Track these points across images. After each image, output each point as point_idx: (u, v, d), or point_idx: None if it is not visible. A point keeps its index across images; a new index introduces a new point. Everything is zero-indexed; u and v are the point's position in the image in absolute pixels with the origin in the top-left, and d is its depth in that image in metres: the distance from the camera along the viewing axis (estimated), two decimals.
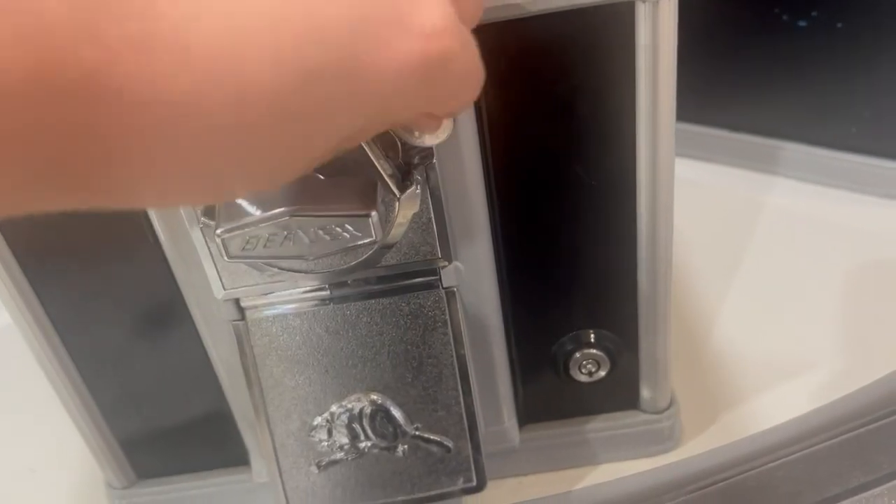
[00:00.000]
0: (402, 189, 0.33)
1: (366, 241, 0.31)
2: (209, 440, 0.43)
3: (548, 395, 0.43)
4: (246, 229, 0.30)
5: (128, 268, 0.37)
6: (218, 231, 0.30)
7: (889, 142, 0.58)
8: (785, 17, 0.57)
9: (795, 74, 0.59)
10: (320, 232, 0.30)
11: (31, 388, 0.52)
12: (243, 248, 0.31)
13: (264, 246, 0.30)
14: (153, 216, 0.35)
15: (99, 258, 0.37)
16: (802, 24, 0.57)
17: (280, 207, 0.30)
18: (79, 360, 0.40)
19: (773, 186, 0.62)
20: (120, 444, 0.43)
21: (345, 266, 0.34)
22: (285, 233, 0.30)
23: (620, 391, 0.43)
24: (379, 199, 0.31)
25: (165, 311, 0.38)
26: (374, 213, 0.30)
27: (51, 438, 0.50)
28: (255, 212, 0.30)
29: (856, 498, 0.41)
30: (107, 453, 0.43)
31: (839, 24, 0.56)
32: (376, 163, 0.32)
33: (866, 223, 0.58)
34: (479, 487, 0.40)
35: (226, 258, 0.31)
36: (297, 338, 0.38)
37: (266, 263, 0.33)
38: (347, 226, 0.30)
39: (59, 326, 0.39)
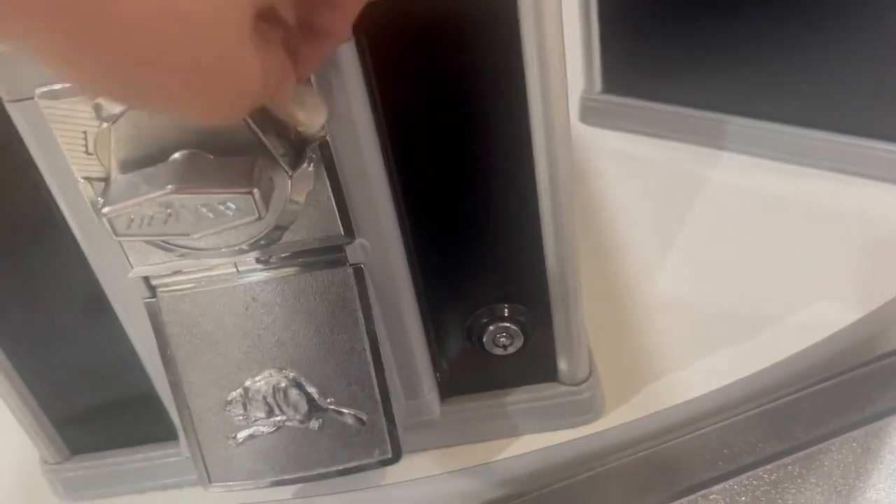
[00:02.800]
0: (295, 167, 0.33)
1: (249, 218, 0.31)
2: (138, 416, 0.44)
3: (467, 369, 0.44)
4: (130, 207, 0.31)
5: (43, 252, 0.38)
6: (104, 210, 0.31)
7: (829, 115, 0.58)
8: None
9: (737, 48, 0.59)
10: (204, 210, 0.31)
11: None
12: (128, 227, 0.31)
13: (149, 224, 0.31)
14: (60, 199, 0.35)
15: (15, 244, 0.38)
16: None
17: (157, 187, 0.31)
18: (4, 343, 0.41)
19: (715, 160, 0.62)
20: (52, 421, 0.44)
21: (245, 244, 0.35)
22: (168, 211, 0.31)
23: (538, 364, 0.44)
24: (262, 177, 0.32)
25: (83, 291, 0.39)
26: (255, 191, 0.31)
27: None
28: (138, 191, 0.31)
29: (769, 466, 0.42)
30: (39, 431, 0.44)
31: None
32: (266, 141, 0.32)
33: (804, 195, 0.58)
34: (395, 459, 0.41)
35: (114, 236, 0.31)
36: (208, 315, 0.39)
37: (154, 242, 0.34)
38: (230, 204, 0.31)
39: None
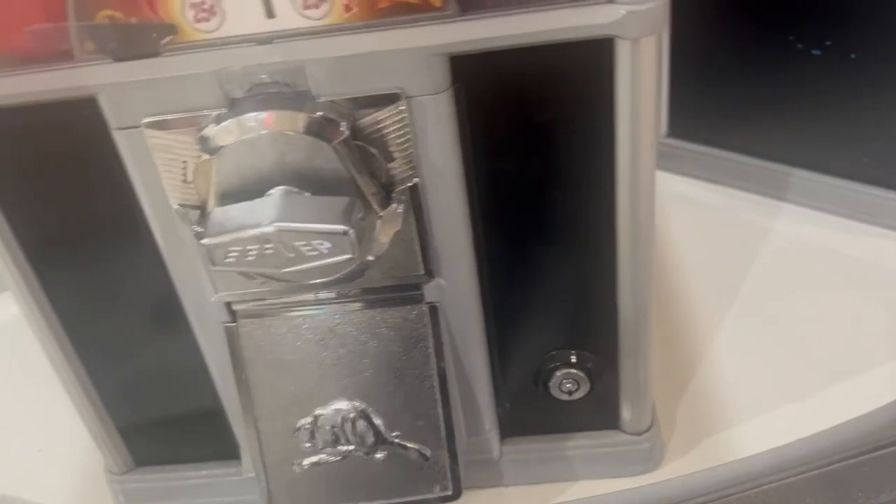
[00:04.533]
0: (384, 207, 0.34)
1: (342, 257, 0.32)
2: (203, 433, 0.45)
3: (529, 411, 0.44)
4: (231, 240, 0.31)
5: (129, 266, 0.39)
6: (204, 241, 0.32)
7: None
8: (799, 46, 0.57)
9: (808, 102, 0.59)
10: (300, 246, 0.32)
11: (42, 375, 0.55)
12: (225, 258, 0.32)
13: (247, 257, 0.32)
14: (152, 219, 0.37)
15: (102, 255, 0.39)
16: (816, 52, 0.57)
17: (263, 221, 0.32)
18: (82, 352, 0.42)
19: (779, 212, 0.62)
20: (119, 431, 0.45)
21: (329, 278, 0.36)
22: (267, 245, 0.32)
23: (601, 411, 0.44)
24: (356, 217, 0.32)
25: (163, 308, 0.40)
26: (350, 231, 0.32)
27: (59, 423, 0.52)
28: (238, 224, 0.32)
29: None
30: (107, 440, 0.45)
31: (853, 55, 0.56)
32: (359, 181, 0.33)
33: (870, 254, 0.58)
34: (455, 496, 0.41)
35: (210, 266, 0.32)
36: (285, 343, 0.39)
37: (248, 274, 0.35)
38: (325, 242, 0.32)
39: (63, 319, 0.41)
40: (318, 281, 0.36)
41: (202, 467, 0.47)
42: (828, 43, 0.56)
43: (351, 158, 0.33)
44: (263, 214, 0.32)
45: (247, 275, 0.37)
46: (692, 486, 0.45)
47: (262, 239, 0.31)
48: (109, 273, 0.40)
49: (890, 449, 0.45)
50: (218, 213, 0.33)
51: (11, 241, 0.38)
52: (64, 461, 0.51)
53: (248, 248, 0.32)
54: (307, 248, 0.32)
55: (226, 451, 0.46)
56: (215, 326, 0.40)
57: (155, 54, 0.33)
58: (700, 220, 0.62)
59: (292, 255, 0.32)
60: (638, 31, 0.31)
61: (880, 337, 0.51)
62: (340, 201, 0.32)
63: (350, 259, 0.32)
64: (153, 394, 0.44)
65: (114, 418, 0.45)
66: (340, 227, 0.31)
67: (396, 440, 0.41)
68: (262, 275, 0.35)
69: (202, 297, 0.39)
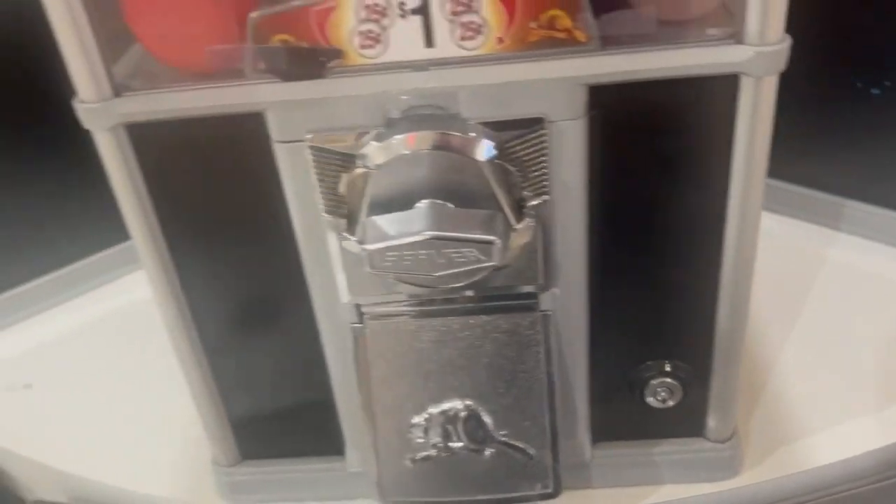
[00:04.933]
0: (519, 221, 0.38)
1: (487, 264, 0.36)
2: (311, 428, 0.48)
3: (621, 417, 0.47)
4: (392, 246, 0.35)
5: (265, 258, 0.42)
6: (366, 246, 0.35)
7: None
8: (859, 85, 0.61)
9: (867, 137, 0.62)
10: (451, 253, 0.35)
11: (150, 365, 0.58)
12: (383, 262, 0.35)
13: (403, 261, 0.35)
14: (297, 225, 0.40)
15: (241, 254, 0.42)
16: (876, 91, 0.61)
17: (417, 230, 0.35)
18: (206, 339, 0.45)
19: (837, 241, 0.65)
20: (231, 424, 0.48)
21: (463, 283, 0.39)
22: (423, 252, 0.35)
23: (688, 419, 0.47)
24: (500, 229, 0.36)
25: (291, 304, 0.43)
26: (497, 241, 0.35)
27: (165, 415, 0.55)
28: (397, 232, 0.35)
29: None
30: (218, 432, 0.48)
31: None
32: (500, 196, 0.36)
33: None
34: (555, 494, 0.44)
35: (369, 269, 0.36)
36: (406, 344, 0.42)
37: (398, 277, 0.38)
38: (474, 250, 0.35)
39: (194, 310, 0.43)
40: (447, 286, 0.39)
41: (307, 462, 0.49)
42: (886, 83, 0.60)
43: (495, 176, 0.36)
44: (419, 224, 0.35)
45: (382, 278, 0.40)
46: (769, 492, 0.48)
47: (419, 246, 0.35)
48: (245, 271, 0.43)
49: None
50: (375, 222, 0.36)
51: (157, 230, 0.40)
52: (169, 452, 0.54)
53: (406, 253, 0.35)
54: (457, 255, 0.35)
55: (331, 447, 0.48)
56: (343, 326, 0.43)
57: (321, 76, 0.36)
58: (762, 248, 0.65)
59: (443, 261, 0.35)
60: (764, 69, 0.35)
61: None
62: (487, 214, 0.36)
63: (492, 266, 0.36)
64: (268, 388, 0.47)
65: (228, 410, 0.48)
66: (491, 237, 0.35)
67: (504, 439, 0.44)
68: (409, 279, 0.38)
69: (334, 299, 0.42)
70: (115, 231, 0.66)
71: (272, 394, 0.47)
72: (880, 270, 0.63)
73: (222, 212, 0.41)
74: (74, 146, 0.62)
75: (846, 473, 0.48)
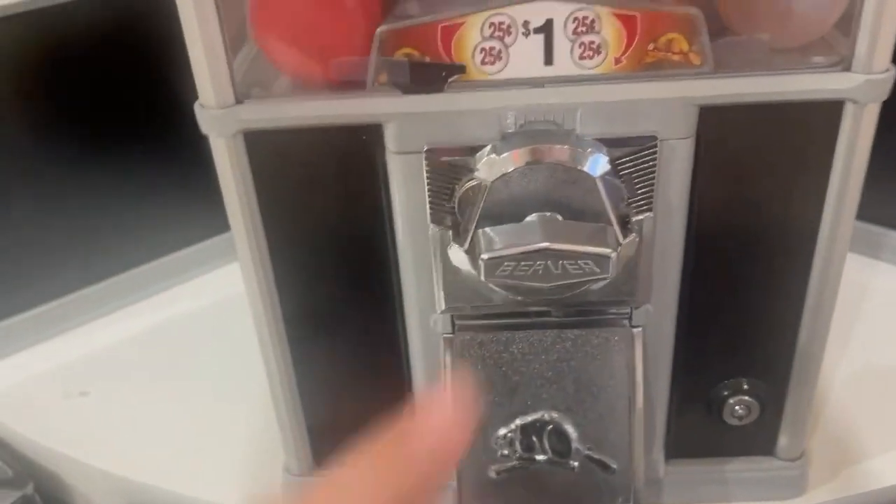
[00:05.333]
0: (626, 236, 0.39)
1: (601, 276, 0.36)
2: None
3: (696, 434, 0.48)
4: (509, 255, 0.36)
5: (362, 266, 0.43)
6: (483, 255, 0.36)
7: None
8: None
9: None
10: (567, 264, 0.36)
11: (209, 373, 0.58)
12: (499, 271, 0.36)
13: (518, 271, 0.36)
14: (402, 235, 0.40)
15: (339, 252, 0.42)
16: None
17: (535, 241, 0.36)
18: (293, 342, 0.45)
19: (878, 270, 0.67)
20: (308, 431, 0.48)
21: (567, 294, 0.39)
22: (537, 263, 0.36)
23: (761, 438, 0.48)
24: (614, 242, 0.37)
25: (382, 312, 0.44)
26: (613, 254, 0.36)
27: (224, 418, 0.56)
28: (511, 243, 0.36)
29: None
30: (295, 439, 0.48)
31: None
32: (609, 211, 0.37)
33: None
34: None
35: (482, 278, 0.36)
36: (495, 356, 0.43)
37: (509, 286, 0.39)
38: (589, 262, 0.36)
39: (284, 306, 0.44)
40: (555, 297, 0.40)
41: None
42: None
43: (607, 191, 0.37)
44: (534, 235, 0.36)
45: (480, 289, 0.40)
46: None
47: (533, 256, 0.36)
48: (339, 277, 0.43)
49: None
50: (488, 233, 0.37)
51: (261, 234, 0.41)
52: (234, 459, 0.54)
53: (522, 263, 0.36)
54: (573, 266, 0.36)
55: None
56: (434, 336, 0.43)
57: (441, 90, 0.37)
58: None
59: (558, 272, 0.36)
60: (870, 97, 0.36)
61: None
62: (599, 227, 0.37)
63: (604, 279, 0.37)
64: (348, 397, 0.47)
65: (307, 417, 0.48)
66: (608, 251, 0.36)
67: (587, 452, 0.44)
68: (521, 289, 0.39)
69: (429, 309, 0.42)
70: (175, 238, 0.68)
71: (352, 402, 0.48)
72: None
73: (325, 218, 0.41)
74: (143, 154, 0.64)
75: None
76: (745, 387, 0.46)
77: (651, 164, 0.38)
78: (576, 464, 0.44)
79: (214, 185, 0.41)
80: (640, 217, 0.39)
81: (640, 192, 0.38)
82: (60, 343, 0.65)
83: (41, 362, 0.63)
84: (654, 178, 0.38)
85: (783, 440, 0.48)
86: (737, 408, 0.46)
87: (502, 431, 0.44)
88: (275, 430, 0.49)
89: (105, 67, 0.61)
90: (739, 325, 0.44)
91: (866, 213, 0.67)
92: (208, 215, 0.65)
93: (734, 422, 0.47)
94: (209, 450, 0.55)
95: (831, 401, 0.56)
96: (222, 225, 0.42)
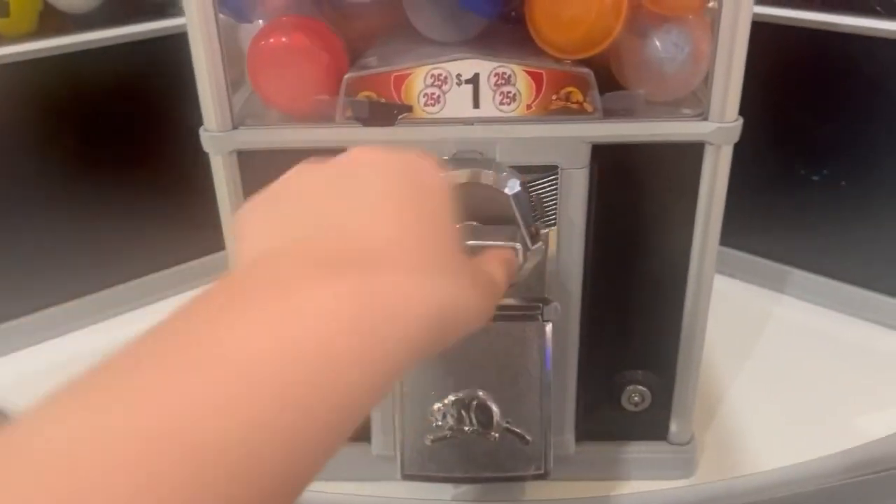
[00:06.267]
0: (534, 244, 0.49)
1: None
2: None
3: (600, 419, 0.57)
4: None
5: None
6: None
7: (880, 277, 0.74)
8: (803, 172, 0.74)
9: (808, 216, 0.75)
10: None
11: None
12: None
13: None
14: None
15: None
16: (815, 178, 0.74)
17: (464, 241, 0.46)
18: None
19: (781, 302, 0.78)
20: None
21: None
22: None
23: (655, 424, 0.57)
24: (521, 241, 0.47)
25: None
26: (519, 247, 0.46)
27: None
28: None
29: None
30: None
31: (843, 182, 0.73)
32: (521, 223, 0.48)
33: (853, 338, 0.73)
34: (546, 475, 0.54)
35: None
36: None
37: None
38: None
39: None
40: None
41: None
42: (824, 171, 0.73)
43: (518, 207, 0.47)
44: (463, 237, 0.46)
45: None
46: (719, 490, 0.58)
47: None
48: None
49: (883, 474, 0.58)
50: None
51: None
52: None
53: None
54: None
55: (360, 433, 0.58)
56: None
57: (392, 124, 0.48)
58: (719, 307, 0.78)
59: None
60: (723, 140, 0.47)
61: (855, 388, 0.66)
62: (509, 228, 0.47)
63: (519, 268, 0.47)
64: None
65: None
66: (514, 244, 0.46)
67: (507, 425, 0.54)
68: None
69: None
70: (174, 254, 0.78)
71: None
72: (814, 325, 0.75)
73: None
74: (150, 179, 0.74)
75: (784, 479, 0.59)
76: (640, 377, 0.56)
77: (554, 187, 0.48)
78: (497, 435, 0.54)
79: (209, 209, 0.51)
80: (546, 230, 0.49)
81: (546, 209, 0.49)
82: (65, 342, 0.74)
83: (45, 359, 0.72)
84: (556, 199, 0.49)
85: (673, 426, 0.57)
86: (633, 395, 0.56)
87: (437, 406, 0.54)
88: None
89: (121, 105, 0.72)
90: (631, 323, 0.54)
91: (772, 251, 0.79)
92: (202, 236, 0.75)
93: (631, 408, 0.56)
94: None
95: (727, 401, 0.66)
96: (216, 245, 0.52)
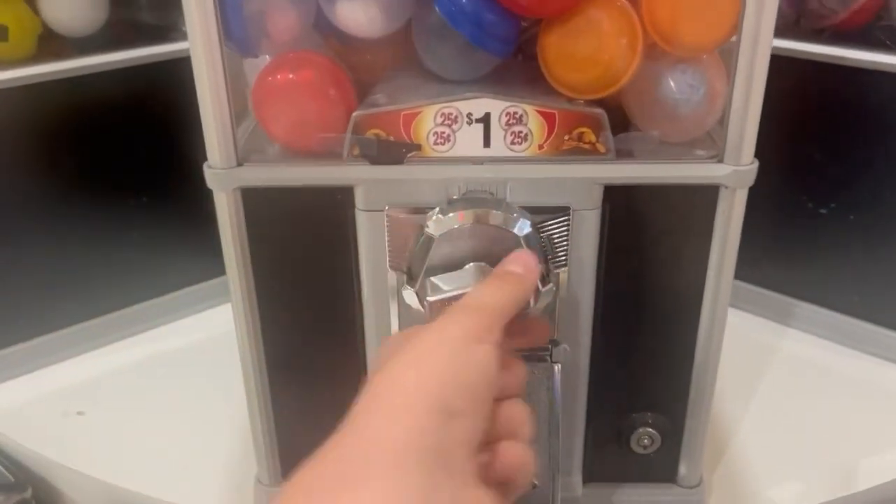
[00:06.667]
0: (544, 286, 0.48)
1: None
2: None
3: (609, 461, 0.56)
4: (448, 298, 0.44)
5: (333, 302, 0.51)
6: (428, 299, 0.45)
7: (884, 312, 0.73)
8: (810, 205, 0.74)
9: (815, 249, 0.75)
10: None
11: (197, 399, 0.66)
12: (440, 312, 0.45)
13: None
14: (365, 275, 0.49)
15: (315, 289, 0.51)
16: (823, 211, 0.73)
17: (470, 285, 0.45)
18: (271, 368, 0.53)
19: (787, 335, 0.77)
20: (280, 448, 0.56)
21: None
22: None
23: (664, 466, 0.56)
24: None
25: (348, 345, 0.52)
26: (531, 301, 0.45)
27: (205, 439, 0.63)
28: (450, 287, 0.45)
29: None
30: (268, 454, 0.56)
31: (851, 216, 0.72)
32: None
33: (856, 373, 0.72)
34: None
35: (428, 316, 0.45)
36: None
37: None
38: None
39: (266, 336, 0.52)
40: None
41: None
42: (832, 205, 0.73)
43: (528, 248, 0.46)
44: (468, 280, 0.45)
45: None
46: None
47: None
48: (314, 311, 0.52)
49: None
50: (434, 281, 0.46)
51: (250, 271, 0.50)
52: (213, 471, 0.62)
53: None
54: None
55: None
56: None
57: (401, 163, 0.47)
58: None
59: None
60: (738, 183, 0.46)
61: (863, 427, 0.65)
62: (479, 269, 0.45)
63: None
64: (316, 419, 0.55)
65: (279, 437, 0.56)
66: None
67: None
68: None
69: (387, 333, 0.51)
70: (171, 280, 0.77)
71: (319, 423, 0.55)
72: (821, 359, 0.74)
73: (304, 261, 0.50)
74: (150, 205, 0.73)
75: None
76: (649, 419, 0.54)
77: (565, 228, 0.47)
78: None
79: (209, 235, 0.50)
80: (557, 271, 0.48)
81: (557, 250, 0.48)
82: (63, 368, 0.73)
83: (44, 385, 0.71)
84: (567, 240, 0.47)
85: (682, 469, 0.56)
86: (642, 438, 0.55)
87: None
88: (249, 448, 0.57)
89: (122, 129, 0.71)
90: (641, 366, 0.53)
91: (778, 283, 0.78)
92: (200, 261, 0.74)
93: (640, 450, 0.55)
94: (190, 463, 0.62)
95: (734, 443, 0.65)
96: (214, 271, 0.51)
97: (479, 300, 0.39)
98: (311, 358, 0.54)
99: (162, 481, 0.61)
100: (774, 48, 0.44)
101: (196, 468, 0.62)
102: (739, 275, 0.78)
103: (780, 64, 0.67)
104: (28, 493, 0.62)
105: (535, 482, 0.52)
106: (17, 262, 0.70)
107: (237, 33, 0.45)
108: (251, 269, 0.50)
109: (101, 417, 0.68)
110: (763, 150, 0.46)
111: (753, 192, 0.48)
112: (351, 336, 0.52)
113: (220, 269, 0.50)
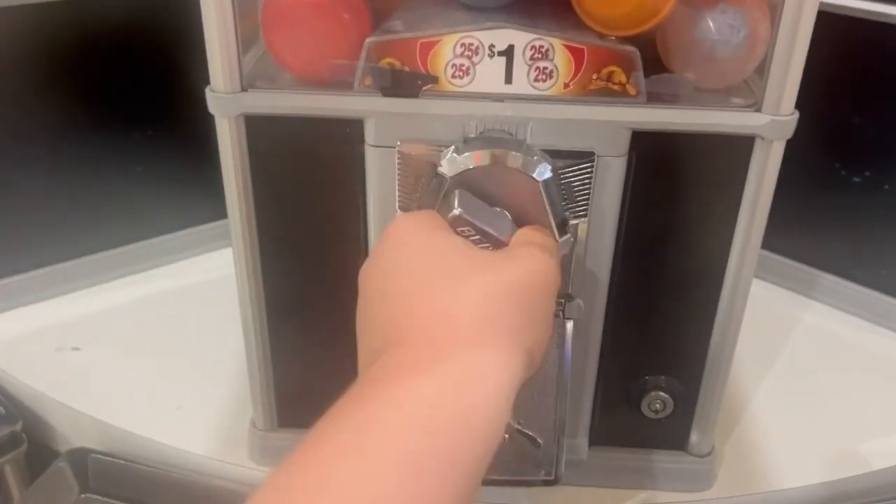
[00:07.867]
0: (561, 236, 0.45)
1: None
2: None
3: (617, 424, 0.54)
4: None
5: (338, 241, 0.49)
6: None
7: None
8: (843, 173, 0.70)
9: (845, 219, 0.71)
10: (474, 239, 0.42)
11: (195, 340, 0.64)
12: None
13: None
14: (372, 216, 0.47)
15: (318, 228, 0.49)
16: (857, 180, 0.70)
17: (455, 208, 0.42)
18: (271, 311, 0.51)
19: (809, 308, 0.74)
20: (277, 393, 0.54)
21: None
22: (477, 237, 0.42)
23: (675, 433, 0.54)
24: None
25: (351, 287, 0.50)
26: (506, 242, 0.42)
27: (199, 381, 0.62)
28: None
29: None
30: (264, 398, 0.54)
31: (886, 186, 0.68)
32: (549, 212, 0.44)
33: (881, 350, 0.69)
34: (556, 482, 0.50)
35: None
36: None
37: None
38: (489, 245, 0.42)
39: (267, 276, 0.50)
40: None
41: None
42: (867, 173, 0.69)
43: (547, 195, 0.43)
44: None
45: None
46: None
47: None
48: (318, 251, 0.49)
49: None
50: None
51: (251, 206, 0.47)
52: (208, 413, 0.60)
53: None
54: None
55: None
56: None
57: (416, 96, 0.44)
58: None
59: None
60: (776, 135, 0.43)
61: (882, 405, 0.63)
62: (508, 220, 0.42)
63: None
64: (314, 367, 0.53)
65: (276, 380, 0.54)
66: (503, 238, 0.41)
67: (518, 426, 0.50)
68: None
69: None
70: (173, 220, 0.74)
71: (317, 373, 0.53)
72: (843, 333, 0.71)
73: (309, 198, 0.48)
74: (152, 139, 0.70)
75: (805, 498, 0.55)
76: (662, 383, 0.52)
77: (588, 176, 0.44)
78: (507, 436, 0.50)
79: (212, 176, 0.47)
80: (576, 222, 0.45)
81: (577, 199, 0.45)
82: (59, 303, 0.71)
83: (40, 319, 0.69)
84: (590, 189, 0.45)
85: (694, 437, 0.54)
86: (654, 402, 0.52)
87: None
88: (244, 392, 0.55)
89: (124, 56, 0.68)
90: (659, 327, 0.50)
91: (803, 254, 0.75)
92: (207, 203, 0.72)
93: (651, 415, 0.53)
94: (184, 404, 0.61)
95: (749, 411, 0.62)
96: (215, 213, 0.48)
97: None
98: (313, 302, 0.51)
99: (154, 421, 0.59)
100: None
101: (189, 409, 0.60)
102: (763, 243, 0.76)
103: (819, 18, 0.64)
104: (18, 426, 0.60)
105: (540, 441, 0.50)
106: (15, 192, 0.67)
107: None
108: (252, 205, 0.47)
109: (96, 354, 0.66)
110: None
111: (785, 160, 0.45)
112: (354, 280, 0.50)
113: (225, 212, 0.48)
